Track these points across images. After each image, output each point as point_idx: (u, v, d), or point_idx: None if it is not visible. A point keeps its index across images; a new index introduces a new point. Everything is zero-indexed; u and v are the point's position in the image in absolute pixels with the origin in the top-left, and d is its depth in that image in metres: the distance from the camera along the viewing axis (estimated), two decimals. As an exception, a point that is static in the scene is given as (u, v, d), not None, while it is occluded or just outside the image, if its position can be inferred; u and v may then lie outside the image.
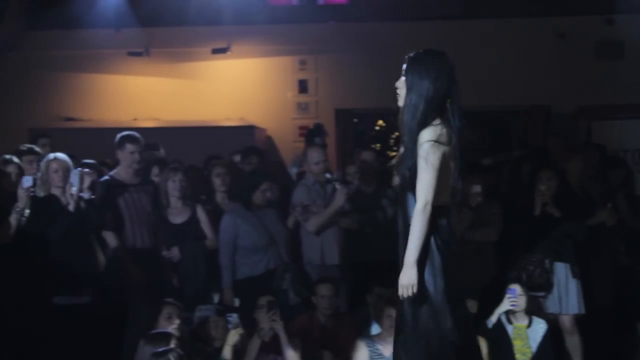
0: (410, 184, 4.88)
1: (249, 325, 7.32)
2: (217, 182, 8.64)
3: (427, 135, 4.85)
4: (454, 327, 4.87)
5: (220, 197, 8.64)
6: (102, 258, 7.83)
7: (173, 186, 8.15)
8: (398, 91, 5.03)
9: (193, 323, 7.63)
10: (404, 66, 5.01)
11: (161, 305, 7.14)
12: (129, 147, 8.07)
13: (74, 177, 7.41)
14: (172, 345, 6.12)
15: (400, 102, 4.99)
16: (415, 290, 4.79)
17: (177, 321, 6.97)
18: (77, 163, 8.22)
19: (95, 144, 10.59)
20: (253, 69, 13.40)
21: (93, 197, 7.74)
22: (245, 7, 12.66)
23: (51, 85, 13.55)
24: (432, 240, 4.87)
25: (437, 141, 4.84)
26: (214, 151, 10.21)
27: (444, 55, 5.02)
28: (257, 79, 13.36)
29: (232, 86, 13.26)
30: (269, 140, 13.20)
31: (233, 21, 12.84)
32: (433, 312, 4.88)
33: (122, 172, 8.11)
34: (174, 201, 8.17)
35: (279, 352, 7.25)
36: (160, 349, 5.98)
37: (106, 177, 8.17)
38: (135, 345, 6.54)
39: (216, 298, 8.17)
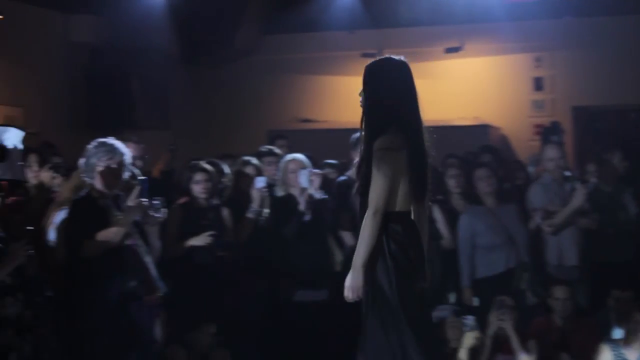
0: (364, 192, 4.97)
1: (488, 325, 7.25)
2: (451, 183, 8.57)
3: (380, 144, 4.92)
4: (411, 335, 4.91)
5: (455, 198, 8.57)
6: (339, 257, 7.92)
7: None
8: (360, 102, 5.09)
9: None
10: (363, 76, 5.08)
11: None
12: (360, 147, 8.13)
13: (303, 177, 7.54)
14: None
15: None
16: (360, 294, 4.89)
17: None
18: (316, 164, 8.38)
19: (331, 144, 10.75)
20: (487, 67, 13.26)
21: (326, 197, 7.83)
22: (479, 4, 12.54)
23: (288, 87, 13.90)
24: (385, 245, 4.92)
25: (389, 149, 4.91)
26: (448, 151, 10.13)
27: (398, 62, 5.08)
28: (491, 77, 13.21)
29: (465, 85, 13.16)
30: (504, 139, 13.02)
31: (466, 19, 12.75)
32: (391, 317, 4.92)
33: (358, 172, 8.19)
34: (410, 201, 8.17)
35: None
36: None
37: (343, 178, 8.28)
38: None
39: (452, 298, 8.12)
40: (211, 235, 7.30)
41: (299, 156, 7.81)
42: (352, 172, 8.26)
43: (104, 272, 5.97)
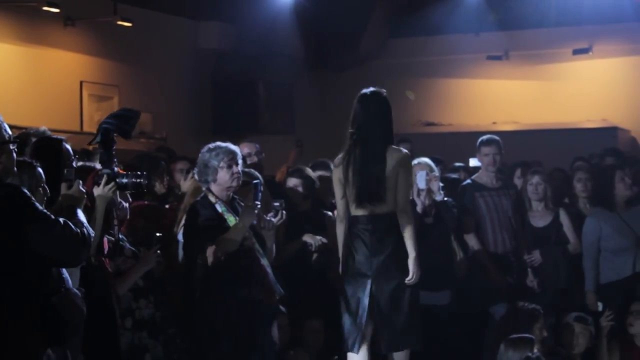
0: None
1: (616, 331, 7.13)
2: (578, 187, 8.42)
3: None
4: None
5: (582, 202, 8.43)
6: (462, 259, 7.86)
7: (531, 189, 8.08)
8: None
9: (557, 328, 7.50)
10: None
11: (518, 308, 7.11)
12: (484, 149, 8.11)
13: (420, 179, 7.45)
14: (535, 351, 6.05)
15: None
16: None
17: (537, 325, 6.88)
18: (445, 167, 8.57)
19: (455, 147, 10.70)
20: (615, 68, 12.99)
21: (447, 199, 7.77)
22: (608, 5, 12.30)
23: (412, 90, 13.86)
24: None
25: (333, 166, 6.42)
26: (575, 154, 9.97)
27: (359, 95, 6.47)
28: (619, 78, 12.93)
29: (593, 87, 12.92)
30: (633, 141, 12.73)
31: (595, 20, 12.52)
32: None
33: (483, 175, 8.16)
34: (535, 204, 8.08)
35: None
36: (531, 355, 5.94)
37: (468, 181, 8.24)
38: (494, 347, 6.52)
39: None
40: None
41: (425, 160, 7.75)
42: (476, 176, 8.23)
43: (225, 278, 5.99)
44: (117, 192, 5.28)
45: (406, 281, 6.17)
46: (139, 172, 5.31)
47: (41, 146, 5.13)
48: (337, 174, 6.29)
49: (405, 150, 6.49)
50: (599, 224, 7.85)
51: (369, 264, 6.14)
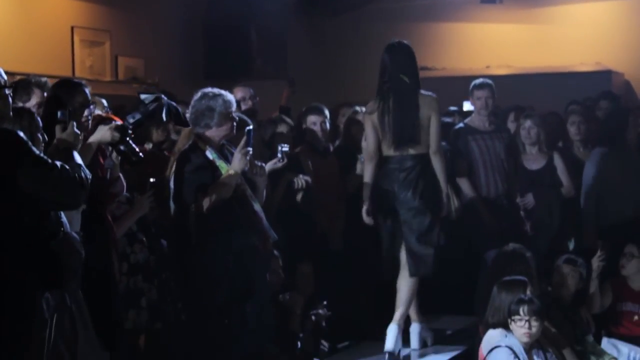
0: None
1: (611, 272, 7.21)
2: (572, 130, 8.45)
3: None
4: None
5: (576, 146, 8.45)
6: (456, 204, 7.89)
7: (524, 134, 8.11)
8: None
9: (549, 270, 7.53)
10: None
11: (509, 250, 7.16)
12: (476, 93, 8.14)
13: None
14: (528, 292, 6.09)
15: None
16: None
17: (528, 267, 6.92)
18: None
19: (449, 92, 10.66)
20: (610, 11, 12.89)
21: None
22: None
23: (405, 35, 13.61)
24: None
25: (365, 112, 6.99)
26: (569, 97, 9.96)
27: (388, 45, 6.94)
28: (614, 21, 12.84)
29: (587, 30, 12.83)
30: (627, 85, 12.69)
31: (591, -39, 12.45)
32: None
33: (475, 119, 8.18)
34: (529, 148, 8.11)
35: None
36: (524, 297, 5.98)
37: (460, 125, 8.26)
38: (487, 290, 6.56)
39: (571, 245, 8.01)
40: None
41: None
42: (469, 119, 8.23)
43: (220, 226, 5.93)
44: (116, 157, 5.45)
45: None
46: (139, 152, 5.41)
47: (58, 94, 5.19)
48: (370, 120, 6.77)
49: (433, 95, 6.87)
50: (605, 162, 7.84)
51: (397, 198, 6.67)
